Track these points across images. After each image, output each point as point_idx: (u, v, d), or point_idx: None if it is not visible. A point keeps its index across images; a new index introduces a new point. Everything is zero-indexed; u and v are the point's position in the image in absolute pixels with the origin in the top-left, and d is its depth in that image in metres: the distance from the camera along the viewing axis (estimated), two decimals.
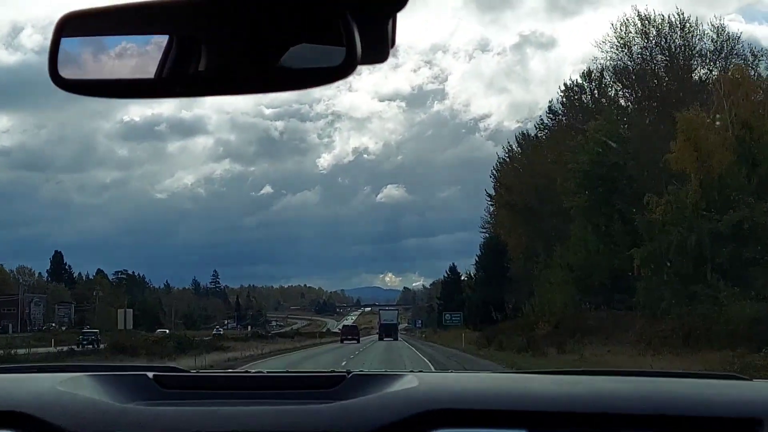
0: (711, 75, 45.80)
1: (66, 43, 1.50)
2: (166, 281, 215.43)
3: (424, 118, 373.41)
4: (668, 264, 33.65)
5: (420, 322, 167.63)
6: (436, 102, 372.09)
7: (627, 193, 44.72)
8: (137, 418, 1.74)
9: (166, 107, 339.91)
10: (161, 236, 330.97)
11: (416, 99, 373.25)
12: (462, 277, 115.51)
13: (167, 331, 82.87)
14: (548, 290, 51.09)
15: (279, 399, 1.88)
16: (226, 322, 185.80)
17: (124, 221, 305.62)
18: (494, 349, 44.66)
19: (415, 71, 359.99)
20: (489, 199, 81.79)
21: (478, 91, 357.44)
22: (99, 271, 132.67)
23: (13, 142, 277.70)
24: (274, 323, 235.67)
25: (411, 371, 2.13)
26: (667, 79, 47.53)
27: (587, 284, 46.21)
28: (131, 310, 59.60)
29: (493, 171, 78.03)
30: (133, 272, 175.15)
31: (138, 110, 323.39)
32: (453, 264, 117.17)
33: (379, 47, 1.41)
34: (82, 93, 1.51)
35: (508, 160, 75.39)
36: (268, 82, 1.47)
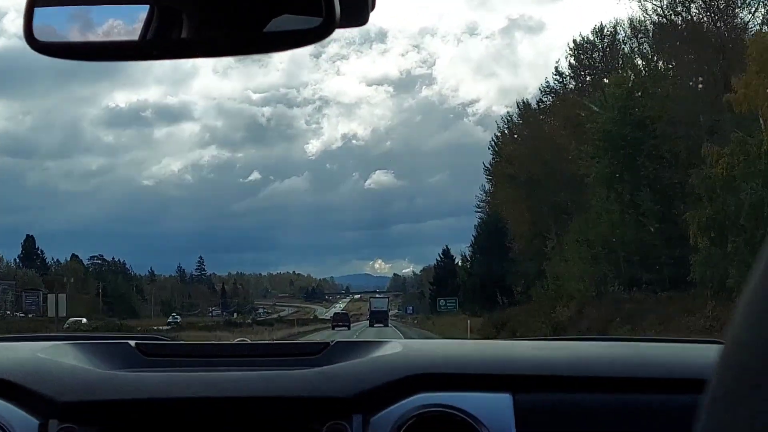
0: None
1: (40, 14, 1.43)
2: (150, 268, 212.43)
3: (413, 103, 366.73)
4: (736, 229, 26.46)
5: (411, 308, 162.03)
6: (424, 87, 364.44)
7: (656, 156, 38.15)
8: (119, 384, 1.73)
9: (152, 93, 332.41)
10: (148, 223, 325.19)
11: (404, 84, 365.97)
12: (456, 261, 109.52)
13: (83, 320, 71.11)
14: (564, 269, 44.37)
15: (263, 366, 1.86)
16: (211, 310, 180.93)
17: (110, 208, 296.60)
18: (509, 337, 38.06)
19: (403, 55, 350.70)
20: (487, 173, 75.09)
21: (467, 75, 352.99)
22: (73, 257, 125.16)
23: None
24: (261, 310, 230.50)
25: (394, 340, 2.12)
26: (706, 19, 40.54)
27: (612, 261, 39.59)
28: (64, 295, 52.27)
29: (492, 143, 71.51)
30: (114, 258, 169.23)
31: (123, 96, 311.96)
32: (446, 247, 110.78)
33: (358, 8, 1.40)
34: (60, 56, 1.45)
35: (506, 131, 68.74)
36: (249, 44, 1.45)
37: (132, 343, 1.97)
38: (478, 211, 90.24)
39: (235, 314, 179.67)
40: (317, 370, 1.79)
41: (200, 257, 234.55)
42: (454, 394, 1.74)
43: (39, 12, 1.42)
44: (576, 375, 1.82)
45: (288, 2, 1.41)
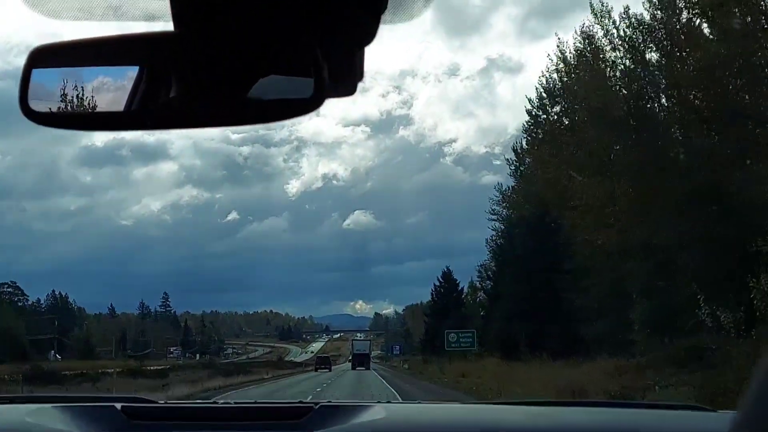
0: None
1: (36, 75, 1.47)
2: (111, 304, 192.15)
3: (392, 144, 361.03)
4: None
5: (398, 347, 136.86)
6: (402, 127, 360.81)
7: None
8: None
9: (128, 132, 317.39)
10: (124, 263, 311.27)
11: (384, 124, 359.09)
12: (461, 287, 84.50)
13: None
14: None
15: (247, 430, 1.85)
16: (171, 350, 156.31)
17: (88, 248, 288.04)
18: None
19: (383, 96, 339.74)
20: (526, 133, 52.11)
21: (445, 115, 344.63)
22: None
23: None
24: (230, 350, 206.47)
25: (378, 402, 2.07)
26: None
27: None
28: None
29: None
30: (57, 292, 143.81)
31: (101, 136, 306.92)
32: (447, 269, 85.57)
33: (347, 80, 1.41)
34: (52, 125, 1.48)
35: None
36: (237, 115, 1.44)
37: (118, 406, 1.91)
38: (493, 218, 66.95)
39: (198, 355, 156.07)
40: None
41: (165, 293, 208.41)
42: None
43: (33, 80, 1.44)
44: None
45: (277, 63, 1.38)
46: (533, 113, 58.09)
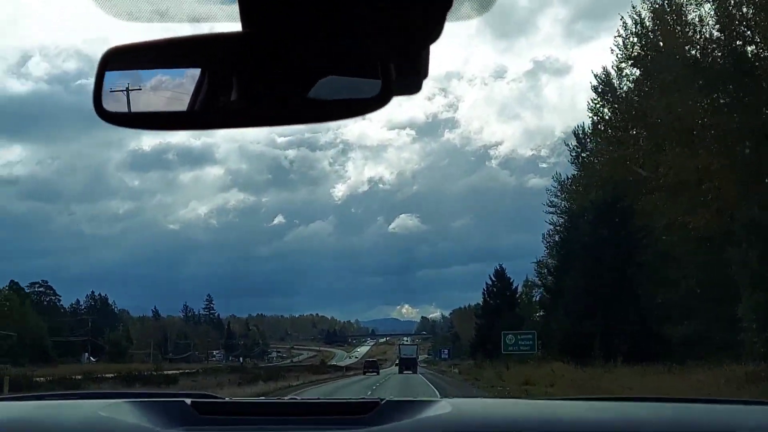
0: None
1: (108, 76, 1.52)
2: (155, 307, 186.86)
3: (438, 147, 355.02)
4: None
5: (446, 351, 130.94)
6: (447, 130, 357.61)
7: None
8: None
9: (176, 136, 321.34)
10: (171, 267, 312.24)
11: (430, 127, 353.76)
12: (515, 286, 78.19)
13: None
14: None
15: (314, 425, 1.87)
16: (214, 353, 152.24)
17: (135, 252, 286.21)
18: None
19: (429, 99, 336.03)
20: (591, 113, 46.31)
21: (492, 118, 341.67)
22: (12, 283, 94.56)
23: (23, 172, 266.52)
24: (274, 354, 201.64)
25: (444, 398, 2.09)
26: None
27: None
28: None
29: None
30: (97, 293, 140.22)
31: (148, 140, 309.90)
32: (500, 267, 79.27)
33: (413, 78, 1.41)
34: (122, 125, 1.52)
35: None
36: (300, 114, 1.45)
37: (188, 401, 1.97)
38: (551, 210, 61.14)
39: (242, 359, 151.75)
40: (368, 430, 1.76)
41: (208, 295, 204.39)
42: None
43: (107, 78, 1.49)
44: None
45: (341, 64, 1.38)
46: (600, 89, 52.29)
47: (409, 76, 1.38)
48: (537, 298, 68.91)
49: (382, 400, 1.94)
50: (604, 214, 42.97)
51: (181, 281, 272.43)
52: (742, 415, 2.04)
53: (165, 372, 52.63)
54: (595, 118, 53.34)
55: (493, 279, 78.10)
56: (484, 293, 79.22)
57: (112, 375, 44.45)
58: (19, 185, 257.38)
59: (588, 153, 60.66)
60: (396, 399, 1.98)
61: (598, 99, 53.27)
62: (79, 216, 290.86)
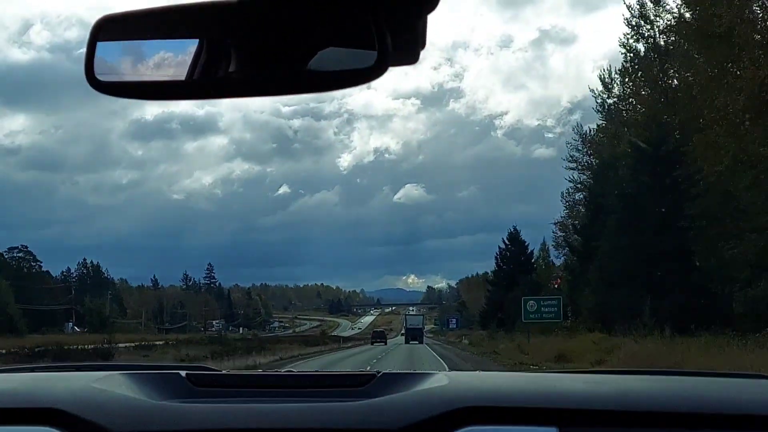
0: None
1: (101, 45, 1.50)
2: (154, 276, 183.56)
3: (443, 117, 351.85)
4: None
5: (455, 320, 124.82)
6: (453, 100, 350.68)
7: None
8: (171, 415, 1.73)
9: (180, 105, 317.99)
10: (175, 237, 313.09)
11: (436, 97, 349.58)
12: (531, 250, 71.65)
13: None
14: None
15: (310, 397, 1.85)
16: (213, 323, 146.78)
17: (139, 222, 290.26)
18: None
19: (435, 69, 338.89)
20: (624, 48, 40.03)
21: (497, 88, 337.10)
22: None
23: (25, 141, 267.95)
24: (276, 324, 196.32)
25: (441, 371, 2.10)
26: None
27: None
28: None
29: None
30: (89, 261, 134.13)
31: (153, 109, 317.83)
32: (514, 228, 72.72)
33: (409, 48, 1.40)
34: (116, 95, 1.51)
35: None
36: (298, 84, 1.45)
37: (183, 373, 1.95)
38: (573, 166, 55.08)
39: (241, 329, 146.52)
40: (365, 402, 1.76)
41: (209, 264, 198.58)
42: (501, 427, 1.70)
43: (99, 48, 1.47)
44: (624, 410, 1.75)
45: (338, 36, 1.38)
46: (633, 23, 45.65)
47: (406, 46, 1.35)
48: (560, 261, 62.41)
49: (378, 372, 1.94)
50: (644, 161, 36.34)
51: (185, 251, 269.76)
52: (740, 388, 2.04)
53: (118, 344, 46.45)
54: (628, 54, 46.85)
55: (507, 243, 71.48)
56: (496, 258, 72.60)
57: (53, 348, 37.93)
58: (21, 155, 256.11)
59: (616, 99, 54.29)
60: (393, 372, 1.96)
61: (632, 33, 46.90)
62: (82, 186, 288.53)
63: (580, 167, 58.84)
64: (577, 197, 59.92)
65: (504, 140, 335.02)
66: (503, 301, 67.39)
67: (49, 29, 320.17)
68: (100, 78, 1.47)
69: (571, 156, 59.26)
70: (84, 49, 1.48)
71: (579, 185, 59.40)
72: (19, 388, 1.93)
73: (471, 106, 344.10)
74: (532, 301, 41.92)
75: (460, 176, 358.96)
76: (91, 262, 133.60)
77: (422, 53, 1.42)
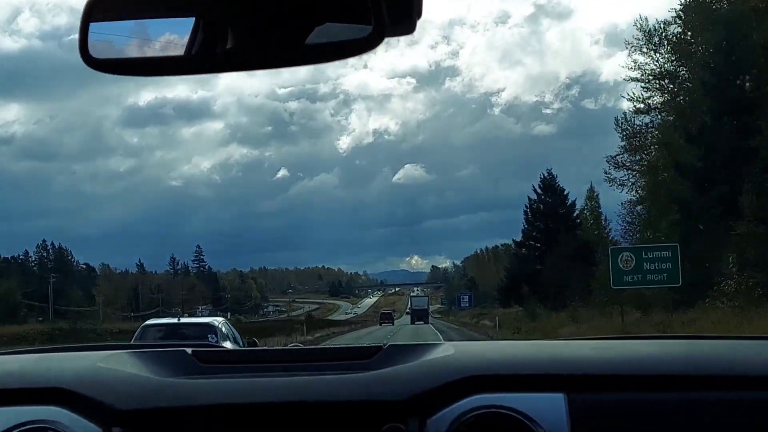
0: None
1: (95, 24, 1.48)
2: (139, 260, 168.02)
3: (441, 96, 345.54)
4: None
5: (467, 298, 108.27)
6: (449, 78, 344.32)
7: None
8: (178, 391, 1.73)
9: (177, 90, 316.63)
10: (174, 225, 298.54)
11: (433, 75, 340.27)
12: (573, 199, 54.66)
13: None
14: None
15: (316, 371, 1.85)
16: (200, 309, 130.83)
17: (138, 210, 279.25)
18: None
19: (432, 47, 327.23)
20: None
21: (494, 65, 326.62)
22: None
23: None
24: (270, 308, 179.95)
25: (447, 342, 2.08)
26: None
27: None
28: None
29: None
30: (52, 243, 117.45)
31: (147, 95, 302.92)
32: (548, 173, 55.62)
33: (405, 18, 1.39)
34: (112, 72, 1.49)
35: None
36: (296, 56, 1.43)
37: (189, 350, 1.94)
38: (634, 72, 38.47)
39: (230, 314, 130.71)
40: (372, 373, 1.77)
41: (198, 246, 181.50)
42: (508, 395, 1.70)
43: (93, 27, 1.45)
44: (630, 373, 1.75)
45: (333, 10, 1.38)
46: None
47: (402, 15, 1.33)
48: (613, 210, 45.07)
49: (385, 344, 1.93)
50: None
51: (185, 238, 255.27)
52: (746, 349, 2.00)
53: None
54: None
55: (539, 192, 54.45)
56: (525, 212, 55.53)
57: None
58: (15, 144, 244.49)
59: None
60: (399, 344, 1.94)
61: None
62: (79, 175, 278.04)
63: (647, 75, 41.93)
64: (639, 120, 43.10)
65: (503, 117, 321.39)
66: (532, 271, 50.80)
67: (38, 16, 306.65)
68: (95, 56, 1.43)
69: (633, 62, 42.32)
70: (77, 29, 1.43)
71: (644, 104, 42.52)
72: (25, 368, 1.90)
73: (468, 84, 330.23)
74: (627, 254, 24.62)
75: (459, 155, 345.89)
76: (52, 243, 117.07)
77: (418, 26, 1.35)
